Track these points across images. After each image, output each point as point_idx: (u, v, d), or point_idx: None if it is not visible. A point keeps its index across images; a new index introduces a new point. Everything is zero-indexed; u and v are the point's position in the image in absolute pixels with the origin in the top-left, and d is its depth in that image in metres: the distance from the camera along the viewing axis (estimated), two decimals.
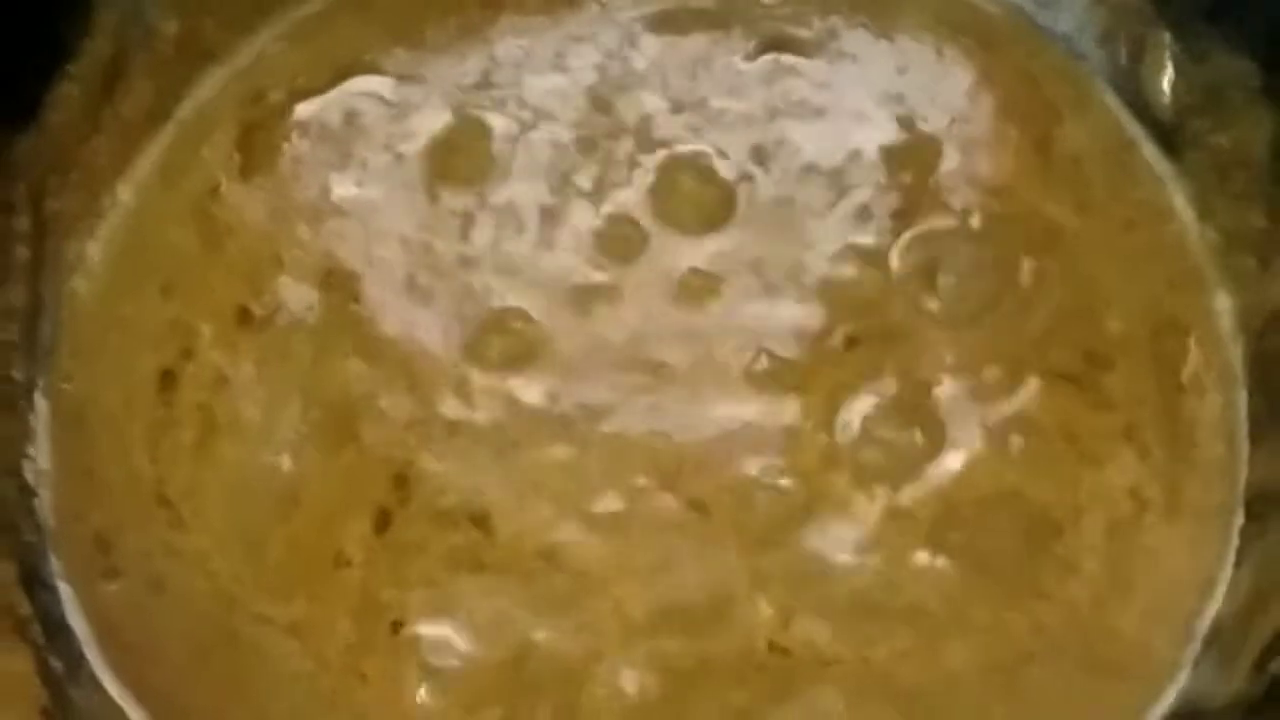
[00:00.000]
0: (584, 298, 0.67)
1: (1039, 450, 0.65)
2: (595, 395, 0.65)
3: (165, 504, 0.65)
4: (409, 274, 0.67)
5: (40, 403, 0.67)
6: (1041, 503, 0.64)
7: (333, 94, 0.71)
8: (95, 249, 0.69)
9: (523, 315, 0.66)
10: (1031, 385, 0.66)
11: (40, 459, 0.66)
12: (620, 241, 0.68)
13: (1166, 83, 0.70)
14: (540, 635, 0.62)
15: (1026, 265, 0.68)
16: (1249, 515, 0.65)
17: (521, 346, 0.66)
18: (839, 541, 0.63)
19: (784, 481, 0.64)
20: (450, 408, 0.65)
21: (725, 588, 0.63)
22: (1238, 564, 0.64)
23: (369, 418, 0.65)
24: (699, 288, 0.67)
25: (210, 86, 0.72)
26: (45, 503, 0.65)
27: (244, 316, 0.67)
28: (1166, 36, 0.70)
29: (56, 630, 0.63)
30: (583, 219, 0.68)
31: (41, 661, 0.62)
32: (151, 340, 0.67)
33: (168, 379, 0.66)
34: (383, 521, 0.64)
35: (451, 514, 0.64)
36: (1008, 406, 0.66)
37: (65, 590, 0.64)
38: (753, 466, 0.64)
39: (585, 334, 0.66)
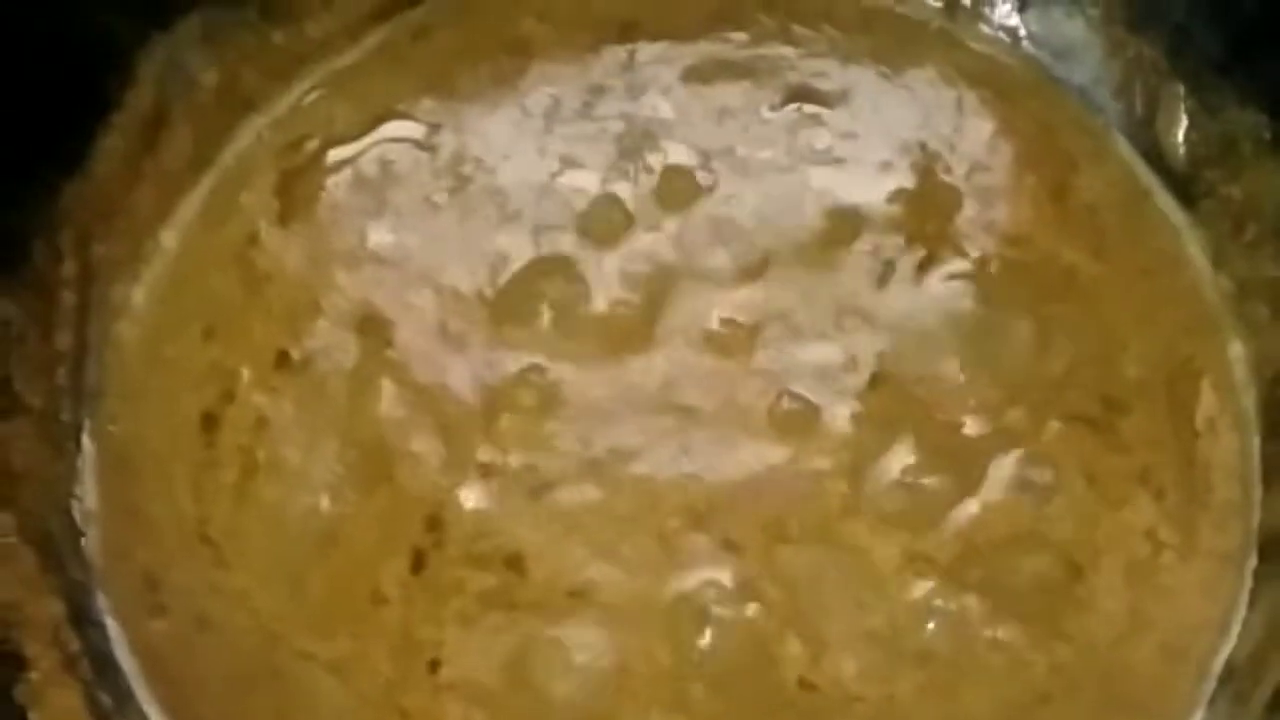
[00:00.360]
0: (614, 344, 0.69)
1: (1058, 492, 0.67)
2: (625, 439, 0.67)
3: (208, 543, 0.67)
4: (441, 320, 0.69)
5: (87, 444, 0.68)
6: (1061, 544, 0.66)
7: (368, 142, 0.73)
8: (139, 293, 0.71)
9: (553, 361, 0.68)
10: (1051, 428, 0.68)
11: (88, 499, 0.68)
12: (650, 289, 0.70)
13: (1181, 134, 0.72)
14: (572, 676, 0.64)
15: (1045, 311, 0.70)
16: (1262, 557, 0.66)
17: (552, 391, 0.68)
18: (865, 581, 0.65)
19: (811, 521, 0.66)
20: (483, 451, 0.67)
21: (756, 625, 0.64)
22: (1251, 605, 0.66)
23: (403, 460, 0.67)
24: (726, 335, 0.69)
25: (249, 135, 0.74)
26: (93, 542, 0.67)
27: (283, 360, 0.69)
28: (1181, 89, 0.72)
29: (105, 666, 0.65)
30: (612, 266, 0.70)
31: (90, 697, 0.63)
32: (194, 382, 0.69)
33: (209, 420, 0.68)
34: (418, 562, 0.65)
35: (485, 556, 0.65)
36: (1028, 449, 0.67)
37: (113, 627, 0.66)
38: (780, 507, 0.66)
39: (615, 379, 0.68)
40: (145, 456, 0.68)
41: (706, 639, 0.64)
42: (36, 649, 0.63)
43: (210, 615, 0.66)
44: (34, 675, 0.62)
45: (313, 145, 0.73)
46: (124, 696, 0.64)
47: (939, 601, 0.65)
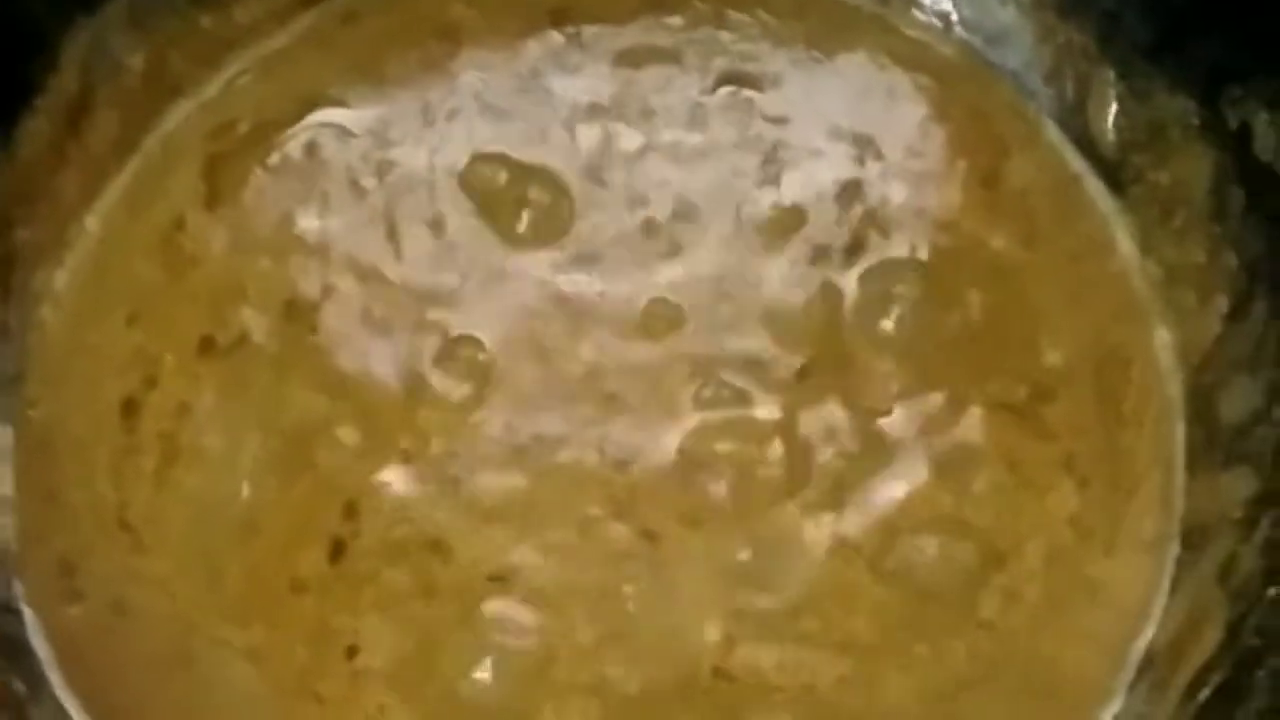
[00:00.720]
0: (539, 329, 0.68)
1: (982, 479, 0.67)
2: (549, 426, 0.67)
3: (127, 529, 0.66)
4: (365, 306, 0.68)
5: (5, 429, 0.68)
6: (983, 531, 0.66)
7: (297, 127, 0.72)
8: (62, 279, 0.70)
9: (477, 347, 0.68)
10: (975, 414, 0.68)
11: (4, 485, 0.67)
12: (577, 274, 0.69)
13: (1110, 120, 0.72)
14: (488, 660, 0.64)
15: (973, 297, 0.70)
16: (1185, 545, 0.66)
17: (476, 378, 0.67)
18: (783, 570, 0.65)
19: (731, 511, 0.66)
20: (404, 439, 0.66)
21: (672, 615, 0.64)
22: (1172, 592, 0.65)
23: (324, 448, 0.66)
24: (653, 322, 0.68)
25: (176, 119, 0.73)
26: (9, 527, 0.67)
27: (206, 346, 0.68)
28: (1111, 75, 0.71)
29: (19, 653, 0.64)
30: (541, 249, 0.70)
31: (3, 684, 0.63)
32: (116, 368, 0.68)
33: (131, 406, 0.68)
34: (337, 550, 0.65)
35: (403, 544, 0.65)
36: (952, 436, 0.67)
37: (28, 614, 0.65)
38: (702, 496, 0.66)
39: (540, 367, 0.68)
40: (65, 442, 0.68)
41: (622, 629, 0.64)
42: None
43: (127, 601, 0.65)
44: None
45: (240, 130, 0.73)
46: (38, 683, 0.64)
47: (861, 588, 0.65)
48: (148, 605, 0.65)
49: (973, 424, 0.67)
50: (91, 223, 0.71)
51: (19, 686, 0.63)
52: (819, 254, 0.70)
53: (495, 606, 0.64)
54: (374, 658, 0.64)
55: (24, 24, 0.69)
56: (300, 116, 0.73)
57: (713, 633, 0.64)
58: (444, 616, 0.64)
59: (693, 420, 0.67)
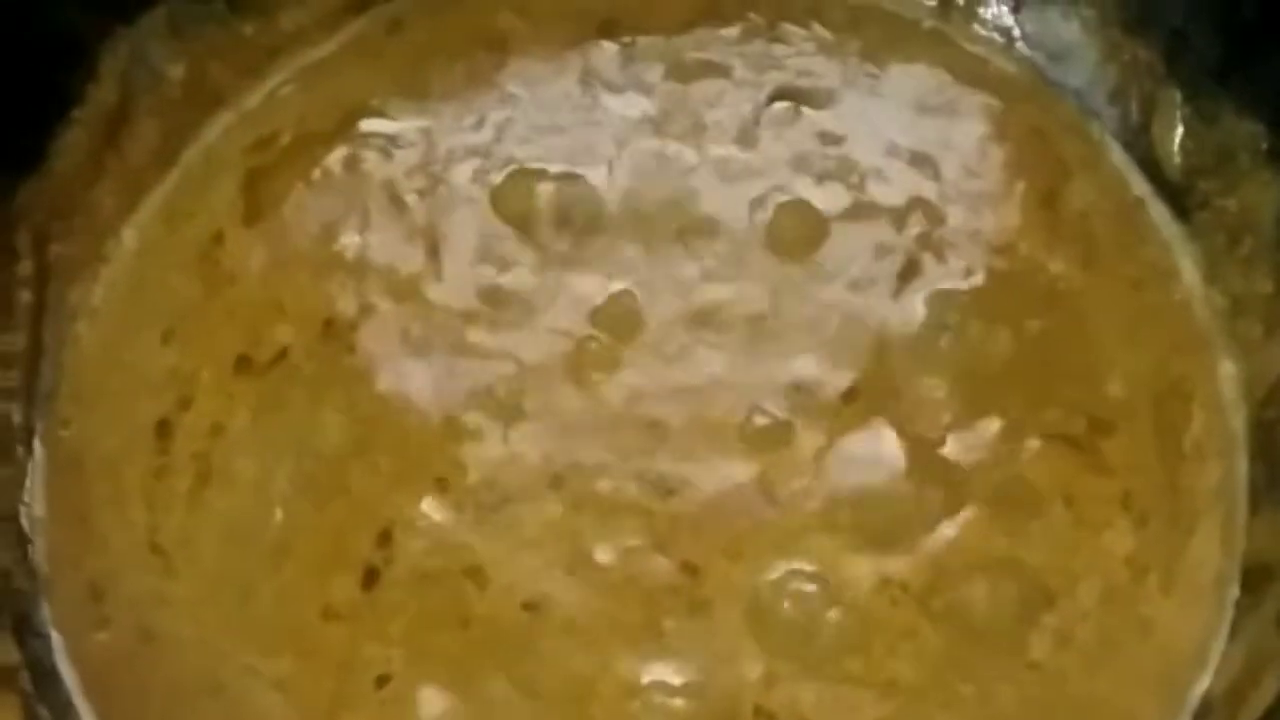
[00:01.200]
0: (580, 353, 0.67)
1: (1036, 515, 0.65)
2: (589, 455, 0.65)
3: (158, 552, 0.65)
4: (404, 326, 0.67)
5: (38, 448, 0.67)
6: (1035, 569, 0.64)
7: (339, 140, 0.71)
8: (98, 294, 0.69)
9: (517, 370, 0.66)
10: (1031, 447, 0.66)
11: (36, 505, 0.66)
12: (620, 294, 0.68)
13: (1176, 142, 0.69)
14: (524, 694, 0.62)
15: (1030, 324, 0.67)
16: (1244, 588, 0.64)
17: (515, 402, 0.66)
18: (828, 605, 0.63)
19: (775, 545, 0.64)
20: (440, 465, 0.65)
21: (713, 650, 0.62)
22: (1232, 637, 0.63)
23: (358, 472, 0.65)
24: (699, 346, 0.67)
25: (216, 131, 0.72)
26: (39, 550, 0.65)
27: (242, 364, 0.67)
28: (1177, 96, 0.69)
29: (45, 678, 0.63)
30: (584, 268, 0.68)
31: (29, 710, 0.62)
32: (151, 387, 0.67)
33: (164, 427, 0.67)
34: (369, 578, 0.63)
35: (437, 572, 0.63)
36: (1006, 468, 0.65)
37: (56, 638, 0.64)
38: (746, 528, 0.64)
39: (582, 392, 0.66)
40: (97, 462, 0.67)
41: (660, 667, 0.62)
42: None
43: (155, 627, 0.64)
44: None
45: (282, 142, 0.71)
46: (63, 709, 0.63)
47: (909, 628, 0.63)
48: (176, 631, 0.64)
49: (1029, 456, 0.65)
50: (129, 237, 0.70)
51: (44, 713, 0.62)
52: (871, 276, 0.68)
53: (531, 637, 0.63)
54: (405, 688, 0.62)
55: (62, 34, 0.68)
56: (343, 129, 0.71)
57: (754, 670, 0.62)
58: (478, 646, 0.63)
59: (737, 449, 0.65)
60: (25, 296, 0.68)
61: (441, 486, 0.65)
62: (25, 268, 0.68)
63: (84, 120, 0.69)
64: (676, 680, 0.62)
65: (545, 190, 0.70)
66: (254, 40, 0.73)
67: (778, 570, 0.63)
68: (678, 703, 0.62)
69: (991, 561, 0.64)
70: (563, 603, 0.63)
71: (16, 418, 0.67)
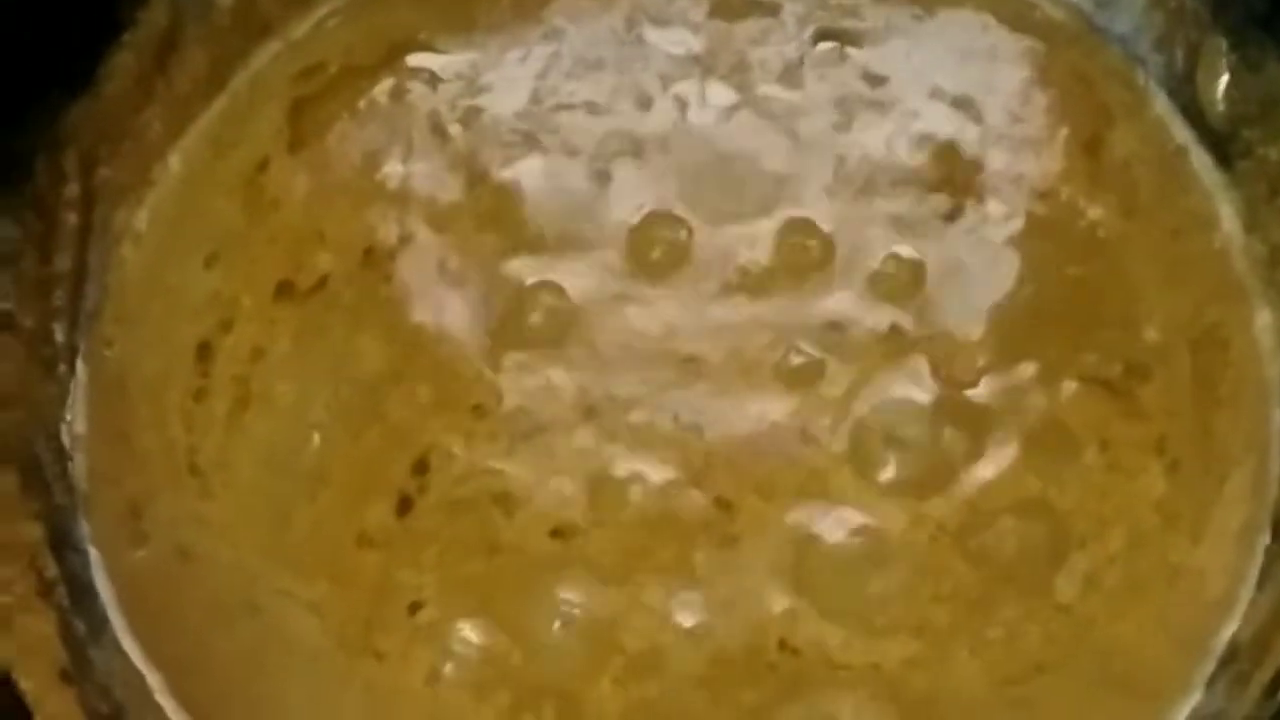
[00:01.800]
0: (618, 286, 0.67)
1: (1070, 458, 0.65)
2: (624, 387, 0.65)
3: (196, 473, 0.66)
4: (442, 257, 0.67)
5: (80, 368, 0.68)
6: (1066, 513, 0.64)
7: (384, 71, 0.71)
8: (143, 217, 0.70)
9: (555, 301, 0.67)
10: (1067, 390, 0.65)
11: (77, 423, 0.67)
12: (663, 230, 0.68)
13: (1221, 90, 0.69)
14: (554, 623, 0.62)
15: (1069, 269, 0.67)
16: (1275, 535, 0.64)
17: (552, 333, 0.66)
18: (860, 545, 0.63)
19: (809, 482, 0.64)
20: (475, 393, 0.65)
21: (741, 585, 0.63)
22: (1260, 585, 0.63)
23: (395, 400, 0.65)
24: (736, 283, 0.67)
25: (264, 59, 0.72)
26: (79, 467, 0.66)
27: (284, 290, 0.68)
28: (1223, 43, 0.69)
29: (82, 594, 0.64)
30: (626, 202, 0.68)
31: (65, 624, 0.63)
32: (192, 310, 0.68)
33: (205, 349, 0.67)
34: (404, 506, 0.64)
35: (468, 500, 0.64)
36: (1042, 411, 0.65)
37: (94, 554, 0.65)
38: (780, 466, 0.64)
39: (619, 325, 0.66)
40: (138, 383, 0.67)
41: (689, 598, 0.62)
42: (11, 572, 0.63)
43: (192, 547, 0.65)
44: (6, 599, 0.62)
45: (329, 72, 0.72)
46: (99, 625, 0.64)
47: (942, 568, 0.63)
48: (213, 552, 0.65)
49: (1065, 400, 0.65)
50: (175, 162, 0.71)
51: (80, 626, 0.63)
52: (912, 217, 0.68)
53: (561, 565, 0.63)
54: (437, 614, 0.63)
55: None
56: (389, 61, 0.72)
57: (779, 604, 0.62)
58: (506, 573, 0.63)
59: (772, 387, 0.65)
60: (71, 219, 0.68)
61: (478, 413, 0.65)
62: (72, 190, 0.68)
63: (134, 45, 0.70)
64: (704, 613, 0.62)
65: (588, 125, 0.70)
66: None
67: (809, 508, 0.63)
68: (704, 634, 0.62)
69: (1023, 503, 0.64)
70: (591, 533, 0.64)
71: (60, 337, 0.68)
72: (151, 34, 0.70)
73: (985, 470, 0.64)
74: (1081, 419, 0.65)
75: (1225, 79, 0.69)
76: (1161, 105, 0.70)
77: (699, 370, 0.66)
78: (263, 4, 0.72)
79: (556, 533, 0.64)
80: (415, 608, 0.63)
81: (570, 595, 0.63)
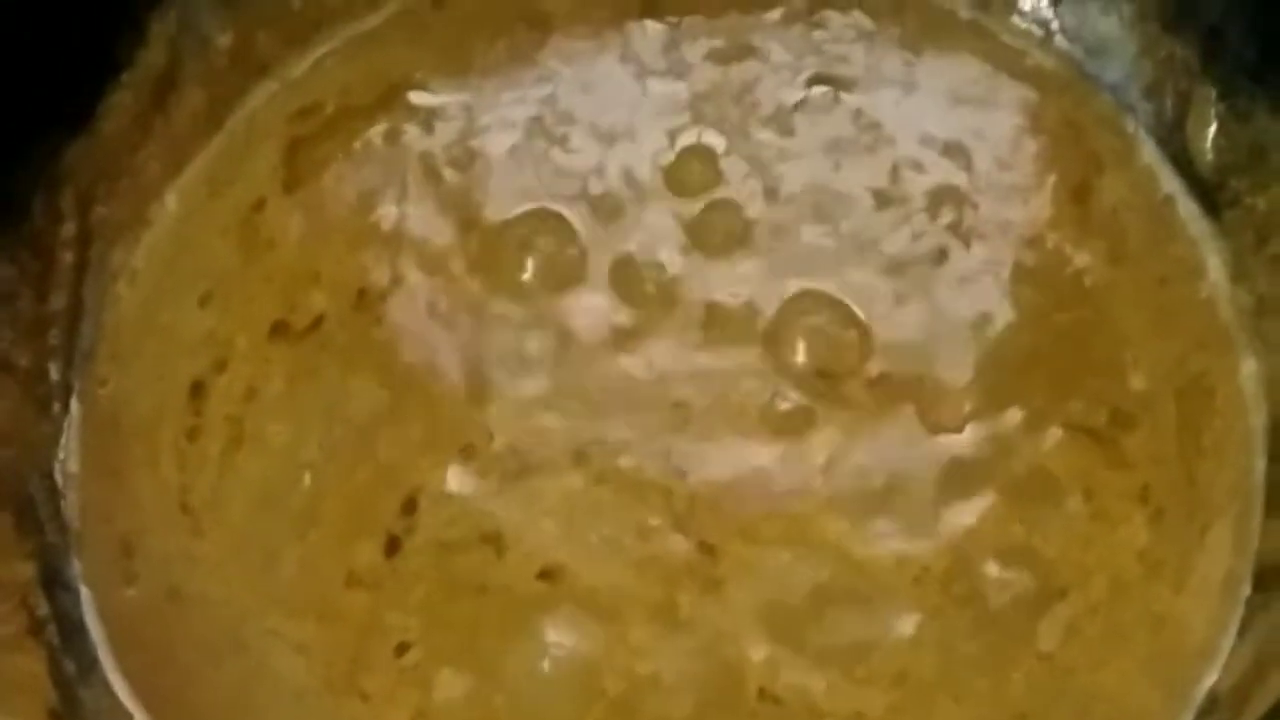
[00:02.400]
0: (611, 331, 0.68)
1: (1055, 506, 0.65)
2: (613, 431, 0.66)
3: (188, 512, 0.66)
4: (432, 299, 0.68)
5: (75, 406, 0.68)
6: (1050, 560, 0.64)
7: (380, 111, 0.72)
8: (140, 256, 0.70)
9: (544, 345, 0.67)
10: (1052, 437, 0.66)
11: (71, 462, 0.67)
12: (651, 271, 0.68)
13: (1209, 139, 0.69)
14: (538, 666, 0.63)
15: (1056, 316, 0.68)
16: (1257, 586, 0.64)
17: (541, 376, 0.67)
18: (842, 592, 0.63)
19: (793, 528, 0.64)
20: (466, 433, 0.66)
21: (723, 631, 0.63)
22: (1241, 635, 0.63)
23: (386, 440, 0.66)
24: (725, 328, 0.67)
25: (261, 99, 0.73)
26: (72, 505, 0.67)
27: (278, 330, 0.68)
28: (1212, 93, 0.69)
29: (73, 632, 0.64)
30: (614, 249, 0.69)
31: (54, 662, 0.63)
32: (187, 349, 0.69)
33: (199, 389, 0.68)
34: (392, 545, 0.65)
35: (456, 540, 0.64)
36: (1027, 458, 0.65)
37: (85, 593, 0.65)
38: (764, 511, 0.65)
39: (609, 368, 0.67)
40: (132, 421, 0.68)
41: (673, 643, 0.63)
42: (2, 611, 0.63)
43: (182, 586, 0.65)
44: None
45: (325, 112, 0.73)
46: (89, 664, 0.64)
47: (924, 615, 0.63)
48: (202, 590, 0.65)
49: (1050, 447, 0.66)
50: (171, 201, 0.71)
51: (69, 666, 0.63)
52: (901, 262, 0.69)
53: (548, 607, 0.64)
54: (423, 655, 0.63)
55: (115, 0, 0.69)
56: (385, 101, 0.72)
57: (760, 652, 0.62)
58: (495, 615, 0.64)
59: (758, 432, 0.66)
60: (68, 257, 0.69)
61: (467, 454, 0.66)
62: (69, 229, 0.69)
63: (132, 85, 0.70)
64: (686, 659, 0.63)
65: (580, 168, 0.70)
66: (301, 11, 0.74)
67: (793, 553, 0.64)
68: (687, 680, 0.62)
69: (1007, 550, 0.64)
70: (580, 574, 0.64)
71: (55, 376, 0.68)
72: (149, 74, 0.71)
73: (970, 517, 0.65)
74: (1066, 466, 0.65)
75: (1214, 128, 0.69)
76: (1150, 154, 0.71)
77: (687, 415, 0.66)
78: (260, 44, 0.73)
79: (545, 574, 0.64)
80: (402, 649, 0.63)
81: (556, 637, 0.63)
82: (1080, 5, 0.73)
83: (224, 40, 0.73)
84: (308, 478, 0.66)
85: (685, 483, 0.65)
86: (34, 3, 0.67)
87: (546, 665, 0.63)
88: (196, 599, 0.65)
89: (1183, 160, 0.70)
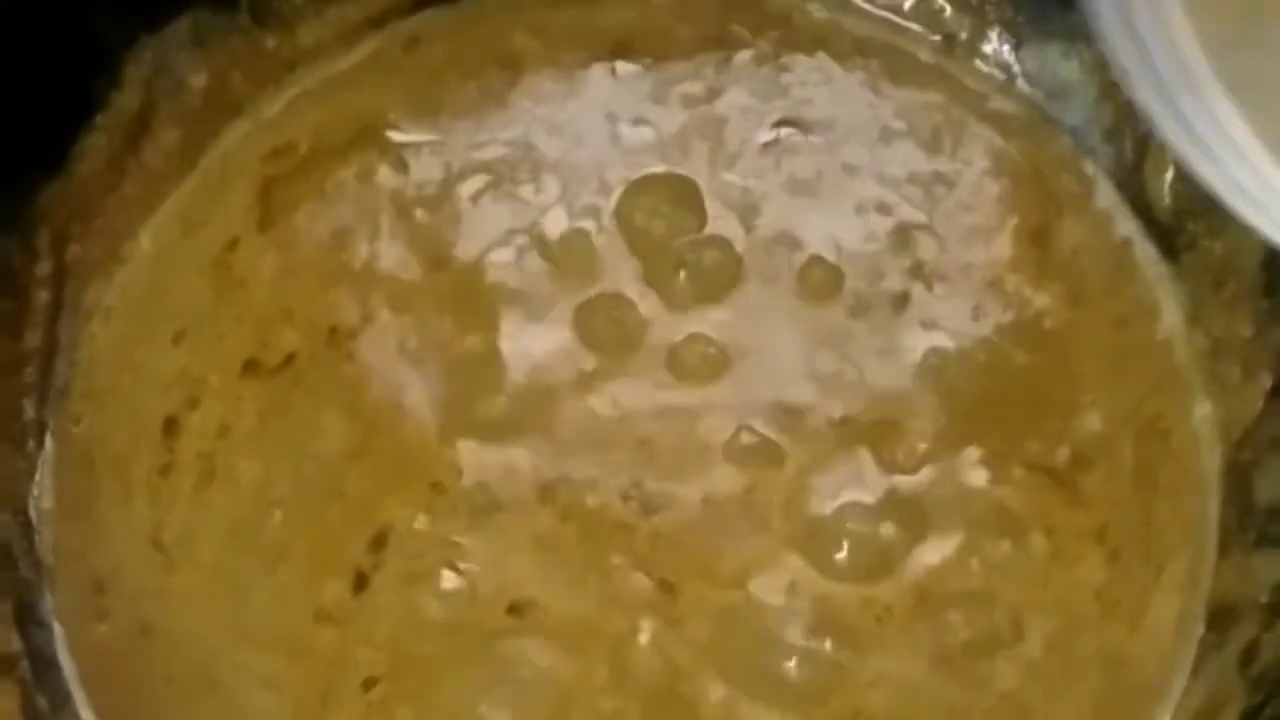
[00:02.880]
0: (575, 368, 0.68)
1: (1015, 545, 0.66)
2: (579, 469, 0.67)
3: (160, 548, 0.67)
4: (401, 338, 0.69)
5: (49, 443, 0.69)
6: (1009, 599, 0.65)
7: (353, 152, 0.73)
8: (114, 295, 0.71)
9: (512, 383, 0.68)
10: (1012, 477, 0.67)
11: (44, 498, 0.68)
12: (616, 312, 0.69)
13: (1167, 184, 0.70)
14: (503, 694, 0.64)
15: (1015, 357, 0.69)
16: (1210, 626, 0.65)
17: (510, 414, 0.68)
18: (801, 631, 0.64)
19: (754, 566, 0.65)
20: (433, 470, 0.67)
21: (682, 669, 0.64)
22: (1194, 674, 0.64)
23: (356, 477, 0.67)
24: (691, 369, 0.68)
25: (234, 139, 0.74)
26: (45, 541, 0.68)
27: (250, 368, 0.69)
28: None
29: (46, 668, 0.65)
30: (585, 287, 0.70)
31: (27, 698, 0.64)
32: (160, 387, 0.69)
33: (172, 426, 0.69)
34: (360, 581, 0.65)
35: (425, 575, 0.65)
36: (986, 498, 0.66)
37: (58, 629, 0.66)
38: (723, 549, 0.66)
39: (574, 407, 0.68)
40: (105, 458, 0.69)
41: (634, 680, 0.64)
42: None
43: (154, 622, 0.66)
44: None
45: (299, 152, 0.73)
46: (62, 699, 0.65)
47: (878, 654, 0.64)
48: (173, 627, 0.66)
49: (1009, 487, 0.67)
50: (145, 240, 0.72)
51: (41, 702, 0.64)
52: (863, 304, 0.70)
53: (513, 641, 0.64)
54: (390, 689, 0.64)
55: (89, 41, 0.70)
56: (358, 142, 0.73)
57: (717, 692, 0.63)
58: (462, 649, 0.65)
59: (722, 471, 0.67)
60: (43, 295, 0.70)
61: (436, 490, 0.66)
62: (44, 267, 0.70)
63: (106, 125, 0.71)
64: (645, 700, 0.63)
65: (550, 210, 0.71)
66: (275, 52, 0.75)
67: (753, 591, 0.65)
68: (648, 718, 0.63)
69: (965, 592, 0.65)
70: (548, 609, 0.65)
71: (30, 413, 0.69)
72: (124, 115, 0.72)
73: (929, 556, 0.65)
74: (1024, 506, 0.66)
75: (1171, 173, 0.70)
76: (1109, 197, 0.72)
77: (652, 452, 0.67)
78: (234, 84, 0.74)
79: (513, 609, 0.65)
80: (369, 684, 0.64)
81: (522, 672, 0.64)
82: (1042, 50, 0.74)
83: (198, 81, 0.73)
84: (278, 514, 0.67)
85: (649, 521, 0.66)
86: (9, 45, 0.67)
87: (515, 696, 0.64)
88: (168, 635, 0.66)
89: (1141, 203, 0.71)
